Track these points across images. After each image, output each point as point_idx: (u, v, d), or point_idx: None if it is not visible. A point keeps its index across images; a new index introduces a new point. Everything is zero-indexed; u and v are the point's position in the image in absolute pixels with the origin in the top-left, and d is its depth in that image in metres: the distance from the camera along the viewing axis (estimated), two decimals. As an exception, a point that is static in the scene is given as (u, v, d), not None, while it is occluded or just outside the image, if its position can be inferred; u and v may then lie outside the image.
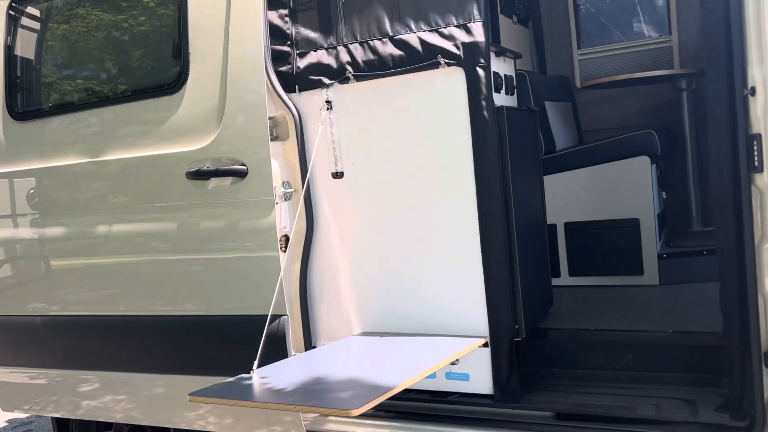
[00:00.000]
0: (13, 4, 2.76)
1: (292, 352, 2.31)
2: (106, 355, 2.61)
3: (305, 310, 2.42)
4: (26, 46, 2.76)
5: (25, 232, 2.73)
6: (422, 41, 2.16)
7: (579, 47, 4.04)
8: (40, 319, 2.73)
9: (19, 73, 2.76)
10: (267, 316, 2.26)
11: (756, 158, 1.69)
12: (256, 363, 1.97)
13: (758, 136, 1.69)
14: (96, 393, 2.69)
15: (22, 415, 4.81)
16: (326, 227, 2.40)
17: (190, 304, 2.44)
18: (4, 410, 3.03)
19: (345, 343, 2.24)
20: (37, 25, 2.75)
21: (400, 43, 2.21)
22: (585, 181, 3.05)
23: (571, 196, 3.06)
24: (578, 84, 4.00)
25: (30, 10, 2.76)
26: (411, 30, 2.19)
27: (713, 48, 1.73)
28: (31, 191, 2.72)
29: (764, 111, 1.67)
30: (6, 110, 2.77)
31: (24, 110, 2.75)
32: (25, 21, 2.77)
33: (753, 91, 1.68)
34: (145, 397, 2.59)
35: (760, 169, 1.70)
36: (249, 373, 1.95)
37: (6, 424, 4.69)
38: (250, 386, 1.84)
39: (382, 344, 2.16)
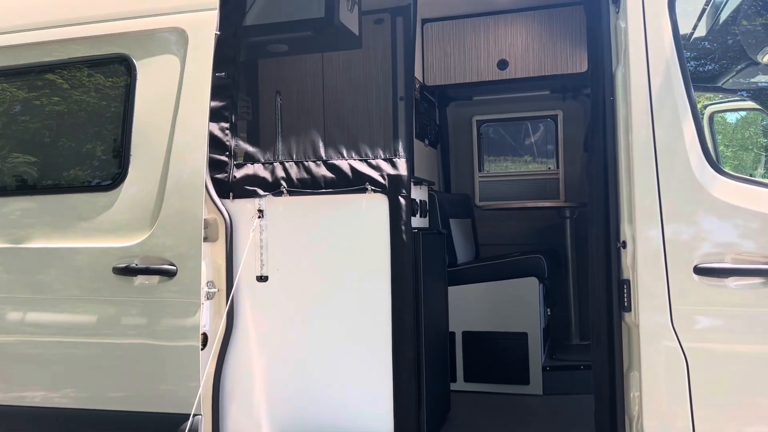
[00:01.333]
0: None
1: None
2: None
3: (216, 410, 2.48)
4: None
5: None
6: (352, 168, 2.43)
7: (480, 170, 4.52)
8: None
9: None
10: (180, 414, 2.31)
11: (625, 300, 2.05)
12: None
13: (627, 282, 2.06)
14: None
15: None
16: (245, 328, 2.52)
17: (104, 398, 2.43)
18: None
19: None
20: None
21: (332, 167, 2.46)
22: (482, 294, 3.39)
23: (469, 307, 3.37)
24: (477, 202, 4.45)
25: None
26: (343, 157, 2.46)
27: (593, 206, 2.12)
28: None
29: (632, 261, 2.05)
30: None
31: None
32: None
33: (624, 245, 2.06)
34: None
35: (629, 309, 2.05)
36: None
37: None
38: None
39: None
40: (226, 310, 2.47)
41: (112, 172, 2.53)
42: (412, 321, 2.36)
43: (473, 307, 3.32)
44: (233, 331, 2.51)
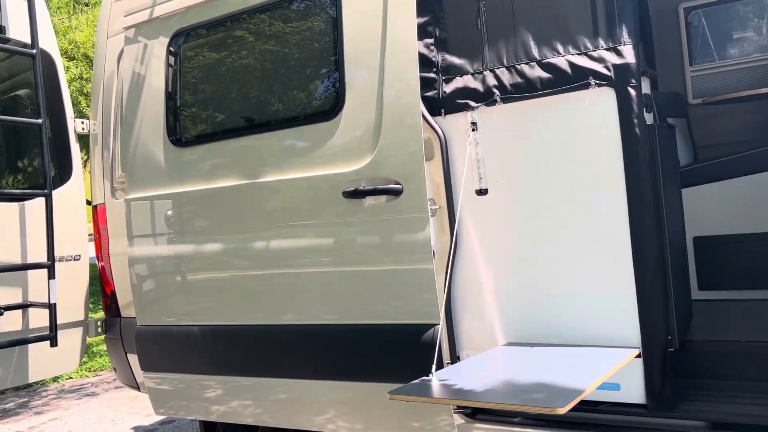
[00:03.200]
0: (173, 38, 3.05)
1: (447, 361, 2.45)
2: (258, 362, 2.81)
3: (450, 321, 2.55)
4: (186, 79, 3.04)
5: (188, 248, 2.98)
6: (571, 64, 2.28)
7: (691, 64, 4.05)
8: (198, 329, 2.97)
9: (179, 103, 3.04)
10: (417, 324, 2.41)
11: None
12: (434, 366, 2.12)
13: None
14: (245, 397, 2.89)
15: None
16: (469, 241, 2.53)
17: (340, 314, 2.61)
18: (156, 413, 3.28)
19: (502, 352, 2.35)
20: (196, 58, 3.03)
21: (548, 67, 2.33)
22: (720, 195, 3.07)
23: (704, 210, 3.08)
24: (691, 100, 4.01)
25: (189, 43, 3.04)
26: (559, 54, 2.32)
27: None
28: (192, 211, 2.97)
29: None
30: (167, 137, 3.04)
31: (184, 137, 3.02)
32: (185, 54, 3.05)
33: None
34: (290, 401, 2.77)
35: None
36: (428, 376, 2.09)
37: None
38: (443, 386, 1.98)
39: (538, 354, 2.26)
40: (448, 224, 2.50)
41: (330, 102, 2.63)
42: (653, 223, 2.20)
43: (710, 209, 3.02)
44: (458, 245, 2.54)
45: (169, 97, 3.06)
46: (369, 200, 2.51)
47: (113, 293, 3.59)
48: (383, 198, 2.48)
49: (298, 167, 2.68)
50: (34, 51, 3.18)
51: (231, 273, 2.86)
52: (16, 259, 3.20)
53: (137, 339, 3.16)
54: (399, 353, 2.47)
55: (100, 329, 3.62)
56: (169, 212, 3.04)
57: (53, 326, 3.10)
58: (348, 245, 2.57)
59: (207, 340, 2.94)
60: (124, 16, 3.24)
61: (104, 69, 3.61)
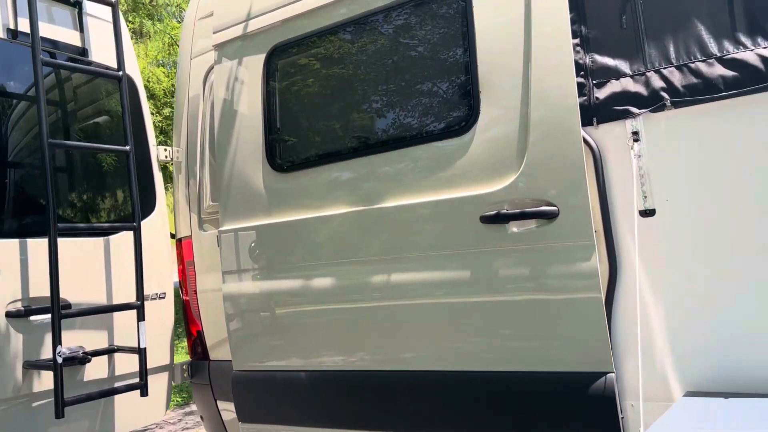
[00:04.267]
0: (271, 54, 2.79)
1: (622, 415, 2.05)
2: (387, 414, 2.45)
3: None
4: (287, 97, 2.76)
5: (294, 284, 2.67)
6: (764, 58, 1.91)
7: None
8: (307, 375, 2.63)
9: (280, 125, 2.76)
10: (581, 373, 2.04)
11: None
12: (642, 426, 1.73)
13: None
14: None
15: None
16: (632, 271, 2.15)
17: (483, 359, 2.25)
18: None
19: (698, 407, 1.95)
20: (298, 74, 2.75)
21: (731, 63, 1.97)
22: None
23: None
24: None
25: (290, 58, 2.76)
26: (744, 47, 1.95)
27: None
28: (297, 242, 2.67)
29: None
30: (267, 163, 2.76)
31: (286, 162, 2.73)
32: (285, 70, 2.78)
33: None
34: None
35: None
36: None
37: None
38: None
39: (749, 409, 1.85)
40: (617, 249, 2.13)
41: (461, 114, 2.30)
42: None
43: None
44: (618, 274, 2.16)
45: (269, 118, 2.78)
46: (514, 225, 2.16)
47: (200, 333, 3.30)
48: (533, 223, 2.13)
49: (424, 190, 2.35)
50: (120, 73, 2.96)
51: (347, 311, 2.53)
52: (101, 299, 2.94)
53: (234, 385, 2.84)
54: (558, 409, 2.09)
55: (186, 374, 3.33)
56: (270, 244, 2.74)
57: (143, 373, 2.81)
58: (488, 280, 2.21)
59: (320, 387, 2.60)
60: (213, 33, 3.00)
61: (188, 92, 3.38)
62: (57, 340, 2.47)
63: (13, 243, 2.64)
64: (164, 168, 3.71)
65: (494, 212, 2.17)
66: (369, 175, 2.49)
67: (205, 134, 3.26)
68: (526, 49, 2.16)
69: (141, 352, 2.80)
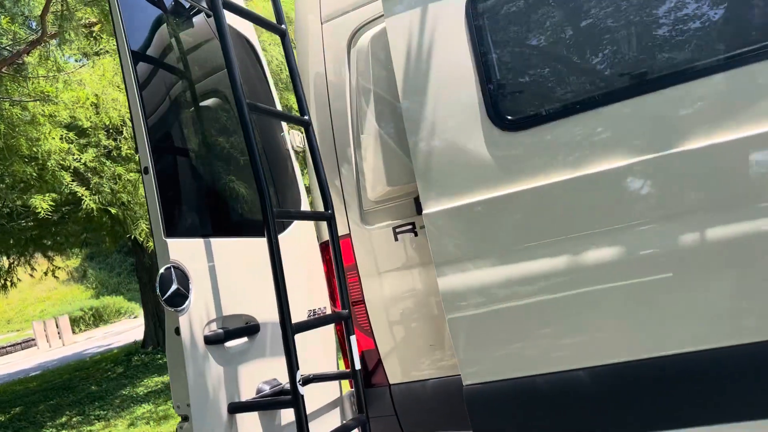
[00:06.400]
0: (477, -2, 2.32)
1: None
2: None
3: None
4: (510, 38, 2.29)
5: (551, 263, 2.16)
6: None
7: None
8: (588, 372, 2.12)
9: (504, 73, 2.28)
10: None
11: None
12: None
13: None
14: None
15: None
16: None
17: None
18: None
19: None
20: (523, 9, 2.29)
21: None
22: None
23: None
24: None
25: None
26: None
27: None
28: (549, 212, 2.18)
29: None
30: (490, 121, 2.27)
31: (517, 117, 2.25)
32: (499, 9, 2.31)
33: None
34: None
35: None
36: None
37: None
38: None
39: None
40: None
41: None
42: None
43: None
44: None
45: (485, 68, 2.29)
46: None
47: (369, 353, 2.67)
48: None
49: (727, 126, 1.96)
50: (283, 26, 2.37)
51: (639, 287, 2.05)
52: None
53: (471, 404, 2.26)
54: None
55: (354, 407, 2.68)
56: (508, 220, 2.23)
57: (362, 405, 2.15)
58: None
59: (612, 384, 2.10)
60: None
61: (323, 65, 2.80)
62: (294, 364, 1.80)
63: (196, 243, 1.94)
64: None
65: None
66: (642, 118, 2.07)
67: (361, 110, 2.69)
68: None
69: (356, 375, 2.16)
